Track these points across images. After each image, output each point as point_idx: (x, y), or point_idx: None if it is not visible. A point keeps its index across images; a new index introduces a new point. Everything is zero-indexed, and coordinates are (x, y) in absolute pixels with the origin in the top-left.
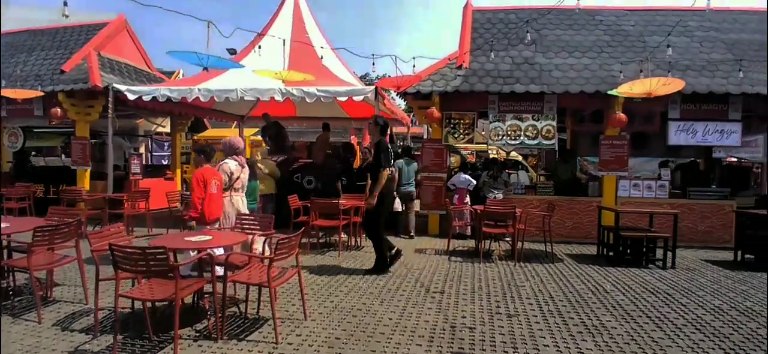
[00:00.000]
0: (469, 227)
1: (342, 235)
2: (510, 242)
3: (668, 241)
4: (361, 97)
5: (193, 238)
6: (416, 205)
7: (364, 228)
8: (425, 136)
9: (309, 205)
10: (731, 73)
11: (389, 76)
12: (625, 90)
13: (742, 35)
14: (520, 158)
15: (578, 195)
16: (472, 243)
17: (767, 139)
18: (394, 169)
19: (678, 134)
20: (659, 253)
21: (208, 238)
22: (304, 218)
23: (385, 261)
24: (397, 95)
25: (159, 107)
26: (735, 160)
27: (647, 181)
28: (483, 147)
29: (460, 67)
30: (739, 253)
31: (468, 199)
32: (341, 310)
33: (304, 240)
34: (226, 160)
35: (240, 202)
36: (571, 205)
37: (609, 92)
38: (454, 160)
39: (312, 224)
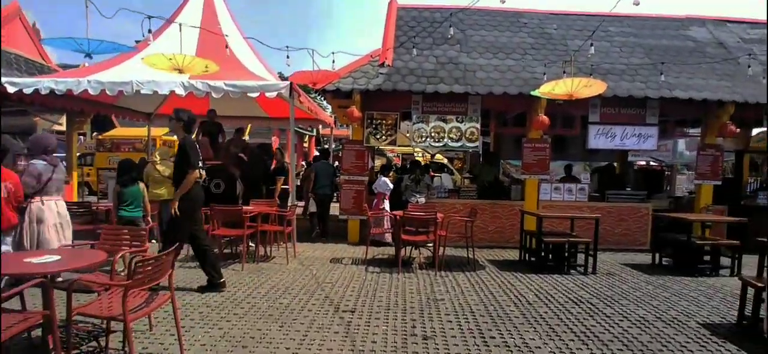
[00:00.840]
0: (389, 234)
1: (247, 246)
2: (431, 249)
3: (589, 245)
4: (274, 94)
5: (34, 260)
6: (336, 209)
7: (164, 238)
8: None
9: (210, 212)
10: (650, 77)
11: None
12: (547, 90)
13: (662, 41)
14: (445, 161)
15: (501, 198)
16: (392, 251)
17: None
18: (202, 170)
19: (597, 138)
20: (580, 258)
21: (55, 258)
22: (207, 227)
23: (216, 275)
24: (317, 94)
25: (50, 103)
26: (643, 163)
27: (568, 184)
28: (409, 149)
29: (382, 65)
30: (657, 255)
31: (386, 204)
32: (230, 340)
33: None
34: (33, 161)
35: (55, 206)
36: (494, 208)
37: (532, 93)
38: (379, 162)
39: (212, 234)
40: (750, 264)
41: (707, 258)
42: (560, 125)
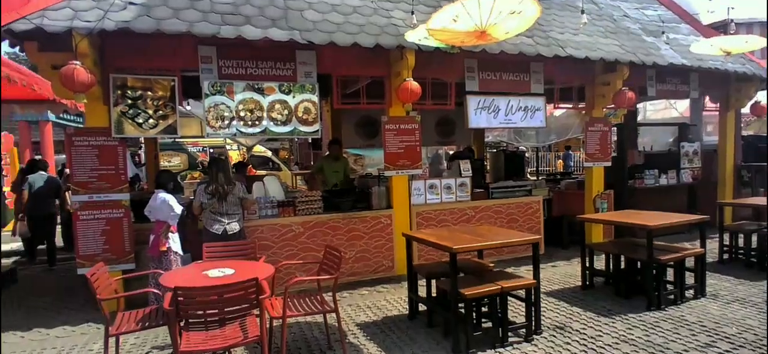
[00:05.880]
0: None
1: None
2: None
3: (531, 292)
4: None
5: None
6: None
7: None
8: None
9: None
10: (534, 32)
11: None
12: (440, 28)
13: None
14: (268, 153)
15: (359, 208)
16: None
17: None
18: None
19: (479, 114)
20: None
21: None
22: None
23: None
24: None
25: None
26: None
27: (446, 181)
28: (220, 141)
29: None
30: (588, 275)
31: (173, 241)
32: None
33: None
34: None
35: None
36: (351, 225)
37: (407, 37)
38: (179, 161)
39: None
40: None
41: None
42: (430, 97)
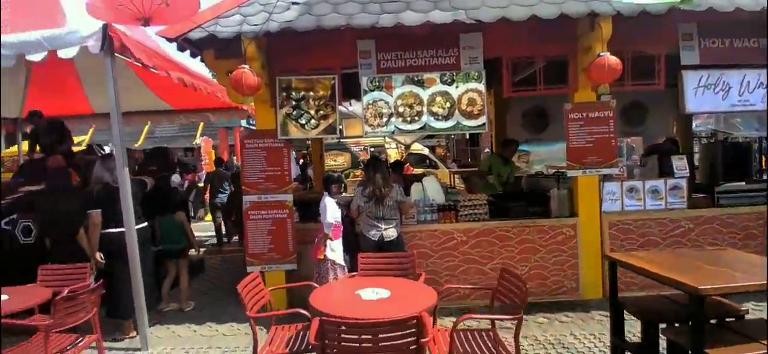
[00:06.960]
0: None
1: None
2: None
3: None
4: (72, 51)
5: None
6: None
7: None
8: None
9: None
10: None
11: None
12: None
13: None
14: (425, 151)
15: (532, 214)
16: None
17: None
18: None
19: (700, 94)
20: None
21: None
22: None
23: None
24: (177, 45)
25: None
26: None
27: (652, 182)
28: (379, 140)
29: None
30: None
31: (332, 248)
32: None
33: None
34: None
35: None
36: (523, 235)
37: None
38: (343, 160)
39: None
40: None
41: None
42: (629, 76)
